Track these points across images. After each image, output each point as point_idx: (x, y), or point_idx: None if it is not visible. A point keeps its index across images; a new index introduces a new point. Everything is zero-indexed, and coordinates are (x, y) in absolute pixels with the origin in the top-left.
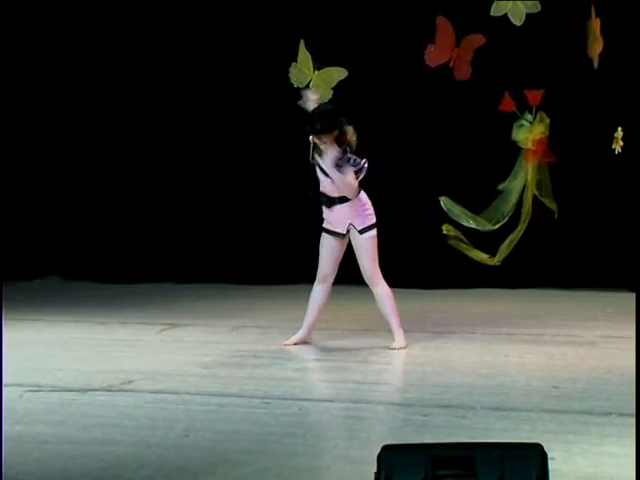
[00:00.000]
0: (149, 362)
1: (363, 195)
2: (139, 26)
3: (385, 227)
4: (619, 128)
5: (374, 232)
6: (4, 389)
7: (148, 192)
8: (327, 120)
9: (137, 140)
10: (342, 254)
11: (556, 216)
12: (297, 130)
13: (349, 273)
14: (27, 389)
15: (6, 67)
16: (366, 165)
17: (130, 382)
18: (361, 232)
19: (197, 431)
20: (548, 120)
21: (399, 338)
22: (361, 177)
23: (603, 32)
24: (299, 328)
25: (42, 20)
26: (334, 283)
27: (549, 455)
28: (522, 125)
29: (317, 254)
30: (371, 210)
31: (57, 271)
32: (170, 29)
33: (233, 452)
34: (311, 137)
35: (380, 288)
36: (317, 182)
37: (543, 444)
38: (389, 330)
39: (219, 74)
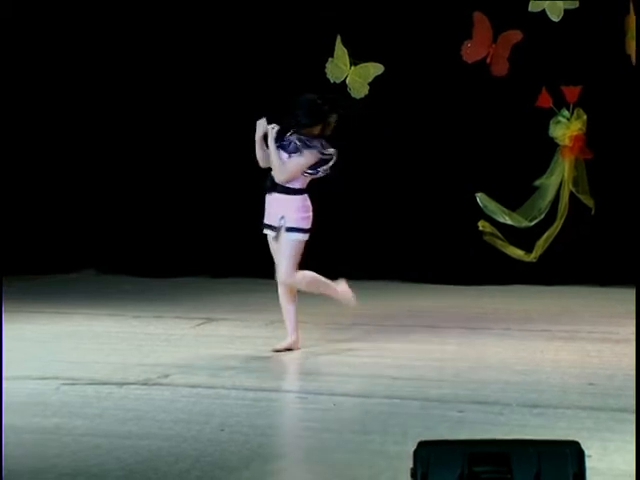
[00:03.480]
0: (185, 356)
1: (307, 199)
2: (142, 25)
3: (421, 223)
4: None
5: (303, 238)
6: (42, 382)
7: (185, 186)
8: (313, 114)
9: (170, 133)
10: None
11: (593, 212)
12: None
13: (380, 268)
14: (63, 382)
15: (7, 67)
16: (335, 157)
17: (166, 376)
18: (289, 230)
19: (233, 425)
20: (585, 116)
21: (289, 340)
22: (326, 168)
23: None
24: (336, 323)
25: (42, 21)
26: (366, 278)
27: (585, 452)
28: (559, 121)
29: (355, 248)
30: (310, 217)
31: (93, 265)
32: (182, 26)
33: (268, 447)
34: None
35: (287, 290)
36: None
37: (579, 441)
38: (426, 325)
39: (224, 74)
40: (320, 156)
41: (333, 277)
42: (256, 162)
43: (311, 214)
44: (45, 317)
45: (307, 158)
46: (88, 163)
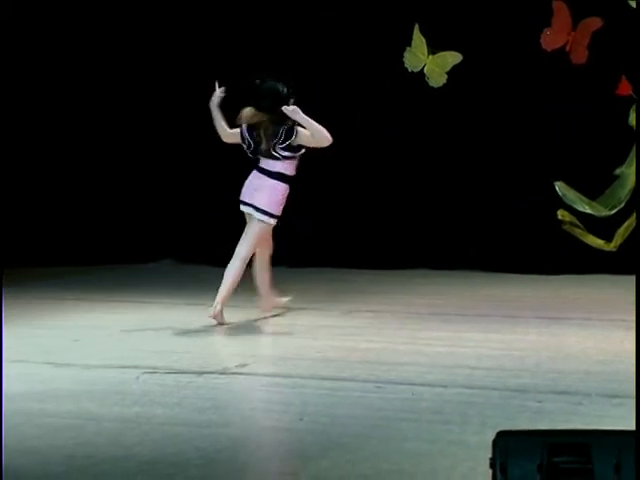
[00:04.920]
0: (263, 346)
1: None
2: (142, 25)
3: (502, 213)
4: None
5: (269, 222)
6: (122, 370)
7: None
8: (275, 98)
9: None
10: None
11: None
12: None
13: (460, 258)
14: (143, 371)
15: (7, 67)
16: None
17: (244, 365)
18: (257, 210)
19: (311, 415)
20: None
21: (215, 307)
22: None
23: None
24: (414, 313)
25: (42, 21)
26: (446, 268)
27: None
28: None
29: (431, 239)
30: (282, 205)
31: (171, 254)
32: (182, 26)
33: (346, 436)
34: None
35: (238, 263)
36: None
37: None
38: (506, 315)
39: (224, 74)
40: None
41: (409, 266)
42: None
43: (283, 203)
44: (124, 306)
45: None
46: (165, 155)
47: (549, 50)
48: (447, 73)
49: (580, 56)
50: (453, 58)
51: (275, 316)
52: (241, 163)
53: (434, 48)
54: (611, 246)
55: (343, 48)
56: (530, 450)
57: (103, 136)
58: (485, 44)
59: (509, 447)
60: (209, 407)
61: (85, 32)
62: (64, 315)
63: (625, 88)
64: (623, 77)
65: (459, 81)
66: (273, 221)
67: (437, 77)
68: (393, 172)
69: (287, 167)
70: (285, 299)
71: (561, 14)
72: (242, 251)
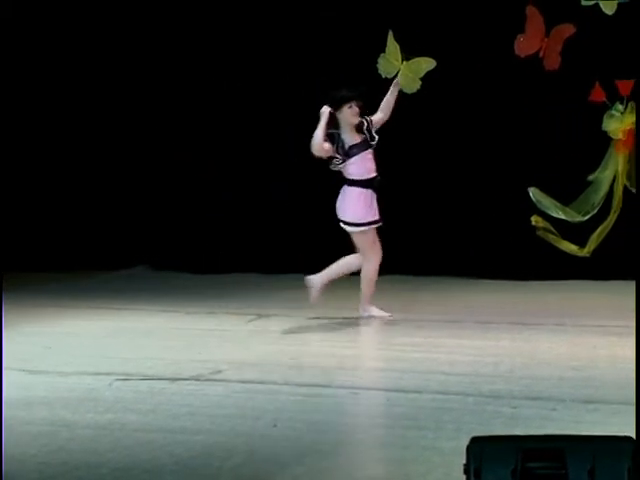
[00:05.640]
0: (238, 352)
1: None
2: (142, 25)
3: (475, 219)
4: None
5: (353, 231)
6: (95, 377)
7: (236, 182)
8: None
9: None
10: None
11: None
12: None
13: (434, 264)
14: (117, 378)
15: (7, 67)
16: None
17: (219, 372)
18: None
19: (285, 421)
20: None
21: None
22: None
23: None
24: (389, 319)
25: (42, 21)
26: (420, 274)
27: None
28: (612, 115)
29: (406, 245)
30: (364, 209)
31: (145, 261)
32: (181, 26)
33: (321, 442)
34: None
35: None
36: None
37: (634, 437)
38: (480, 321)
39: (224, 74)
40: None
41: (382, 272)
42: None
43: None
44: (98, 313)
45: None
46: (140, 161)
47: (523, 56)
48: (421, 79)
49: (553, 62)
50: (427, 64)
51: (249, 322)
52: (210, 168)
53: (408, 54)
54: (585, 251)
55: (343, 48)
56: (504, 455)
57: (79, 144)
58: (459, 50)
59: (483, 453)
60: (183, 413)
61: (85, 32)
62: (40, 322)
63: (598, 94)
64: (596, 83)
65: (433, 87)
66: (358, 229)
67: (411, 83)
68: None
69: (349, 170)
70: (384, 313)
71: (534, 20)
72: (364, 265)
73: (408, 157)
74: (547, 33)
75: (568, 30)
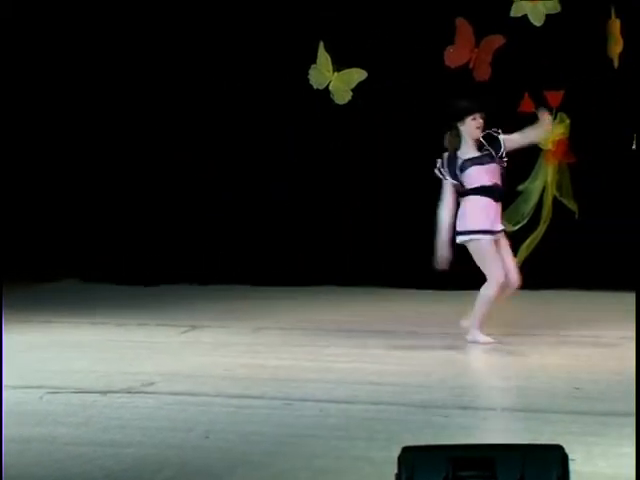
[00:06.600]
0: (169, 364)
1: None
2: (142, 25)
3: (403, 229)
4: None
5: (463, 240)
6: (25, 391)
7: (168, 194)
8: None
9: (157, 144)
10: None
11: (577, 216)
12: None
13: (362, 274)
14: (47, 391)
15: (7, 67)
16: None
17: (150, 384)
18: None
19: (218, 433)
20: (568, 121)
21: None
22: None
23: (623, 33)
24: (320, 329)
25: (42, 21)
26: (348, 284)
27: (570, 456)
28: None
29: (337, 256)
30: (472, 218)
31: (75, 273)
32: (181, 27)
33: (254, 454)
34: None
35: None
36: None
37: (564, 445)
38: (409, 331)
39: (224, 74)
40: None
41: (317, 282)
42: (241, 170)
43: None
44: (28, 326)
45: None
46: (70, 172)
47: (453, 67)
48: (352, 90)
49: (483, 73)
50: (358, 75)
51: (182, 333)
52: (144, 180)
53: (339, 65)
54: (515, 261)
55: (343, 48)
56: (435, 465)
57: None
58: (390, 61)
59: (415, 462)
60: (114, 426)
61: (85, 33)
62: None
63: (528, 105)
64: (526, 94)
65: (363, 98)
66: (467, 237)
67: (342, 94)
68: (297, 188)
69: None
70: (490, 339)
71: (463, 31)
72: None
73: (340, 166)
74: (477, 44)
75: (498, 41)
